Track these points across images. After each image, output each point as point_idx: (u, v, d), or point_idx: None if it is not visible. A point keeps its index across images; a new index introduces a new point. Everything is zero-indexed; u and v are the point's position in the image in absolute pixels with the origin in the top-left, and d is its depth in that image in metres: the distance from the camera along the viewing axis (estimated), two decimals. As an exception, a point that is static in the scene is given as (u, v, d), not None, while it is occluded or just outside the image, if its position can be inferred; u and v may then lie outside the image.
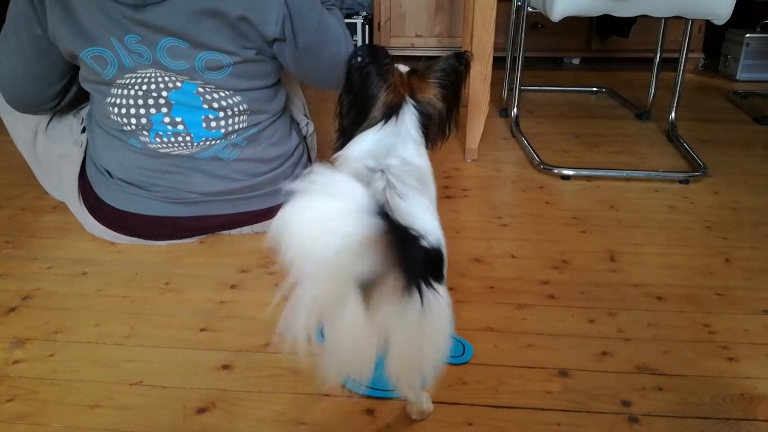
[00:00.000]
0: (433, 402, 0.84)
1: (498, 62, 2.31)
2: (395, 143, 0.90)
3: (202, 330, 1.01)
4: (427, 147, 0.96)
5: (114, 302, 1.09)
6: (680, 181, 1.64)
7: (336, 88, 1.04)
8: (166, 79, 1.12)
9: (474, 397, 0.85)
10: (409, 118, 0.94)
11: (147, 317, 1.04)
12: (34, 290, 1.12)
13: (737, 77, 2.82)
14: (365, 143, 0.92)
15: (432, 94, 0.97)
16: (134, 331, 1.00)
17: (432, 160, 0.93)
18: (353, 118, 0.96)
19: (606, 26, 2.98)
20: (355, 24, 2.99)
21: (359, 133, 0.94)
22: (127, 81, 1.13)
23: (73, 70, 1.21)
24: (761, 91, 2.53)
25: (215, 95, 1.15)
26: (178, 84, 1.13)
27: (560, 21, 1.72)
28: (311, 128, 1.43)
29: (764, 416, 0.82)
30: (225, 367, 0.92)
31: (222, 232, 1.32)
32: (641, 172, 1.70)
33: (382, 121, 0.93)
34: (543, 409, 0.83)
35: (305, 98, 1.48)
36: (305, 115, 1.42)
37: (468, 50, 0.98)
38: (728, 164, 1.76)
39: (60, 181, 1.32)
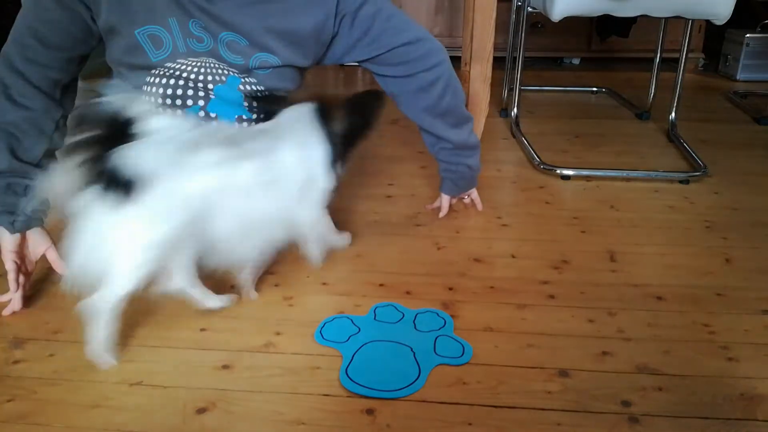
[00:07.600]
0: (433, 402, 0.84)
1: (498, 62, 2.31)
2: None
3: (202, 330, 1.01)
4: None
5: (114, 302, 1.08)
6: (680, 181, 1.64)
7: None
8: (214, 71, 1.12)
9: (474, 397, 0.85)
10: None
11: (147, 317, 1.04)
12: (34, 290, 1.12)
13: (737, 77, 2.82)
14: None
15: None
16: (134, 331, 1.00)
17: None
18: None
19: (606, 26, 2.98)
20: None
21: None
22: (175, 67, 1.10)
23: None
24: (761, 91, 2.53)
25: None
26: (224, 78, 1.13)
27: (560, 21, 1.72)
28: None
29: (764, 416, 0.82)
30: (225, 367, 0.92)
31: None
32: (641, 172, 1.70)
33: None
34: (543, 409, 0.83)
35: None
36: None
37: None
38: (728, 164, 1.76)
39: None
